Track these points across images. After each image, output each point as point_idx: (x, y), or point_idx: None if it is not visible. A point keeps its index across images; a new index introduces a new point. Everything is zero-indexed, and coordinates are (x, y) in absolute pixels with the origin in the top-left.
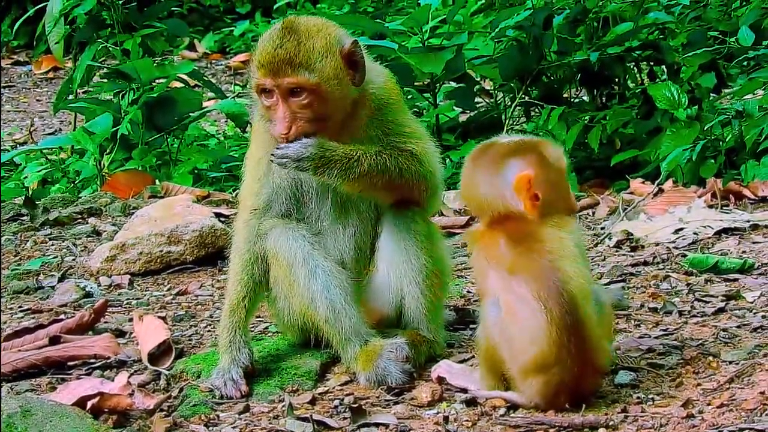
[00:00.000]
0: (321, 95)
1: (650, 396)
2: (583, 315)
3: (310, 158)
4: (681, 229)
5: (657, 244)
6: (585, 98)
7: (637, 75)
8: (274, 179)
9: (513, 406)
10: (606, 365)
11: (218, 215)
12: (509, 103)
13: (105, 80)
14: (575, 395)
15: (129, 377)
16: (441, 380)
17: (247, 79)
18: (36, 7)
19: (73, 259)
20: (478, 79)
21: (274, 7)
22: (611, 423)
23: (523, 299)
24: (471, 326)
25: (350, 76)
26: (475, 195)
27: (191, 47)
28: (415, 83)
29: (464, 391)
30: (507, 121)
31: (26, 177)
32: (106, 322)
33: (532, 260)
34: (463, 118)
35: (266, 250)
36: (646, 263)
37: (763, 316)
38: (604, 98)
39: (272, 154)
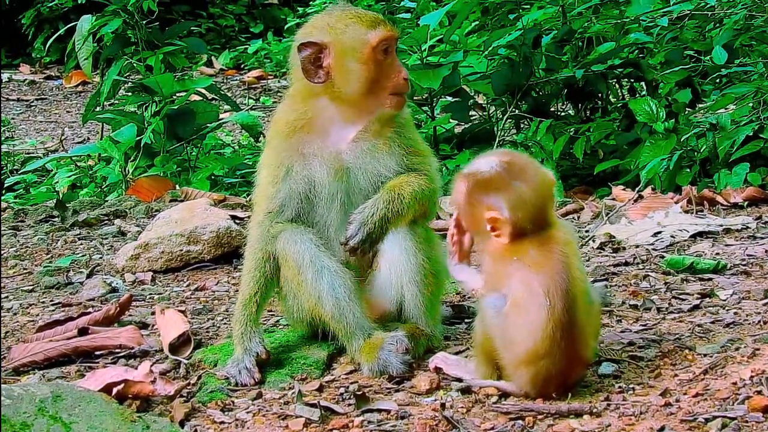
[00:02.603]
0: None
1: (631, 386)
2: (578, 313)
3: (373, 232)
4: (659, 232)
5: (637, 246)
6: (571, 112)
7: (619, 91)
8: (290, 184)
9: (504, 395)
10: (591, 358)
11: (233, 217)
12: (501, 116)
13: (130, 93)
14: (562, 385)
15: (151, 366)
16: (438, 370)
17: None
18: (67, 27)
19: (101, 258)
20: (473, 93)
21: (285, 27)
22: (595, 410)
23: (534, 293)
24: (466, 321)
25: None
26: (467, 219)
27: (209, 64)
28: (415, 97)
29: (459, 380)
30: (499, 132)
31: (57, 182)
32: (130, 315)
33: (551, 259)
34: (458, 129)
35: (276, 252)
36: (627, 263)
37: (735, 313)
38: (588, 112)
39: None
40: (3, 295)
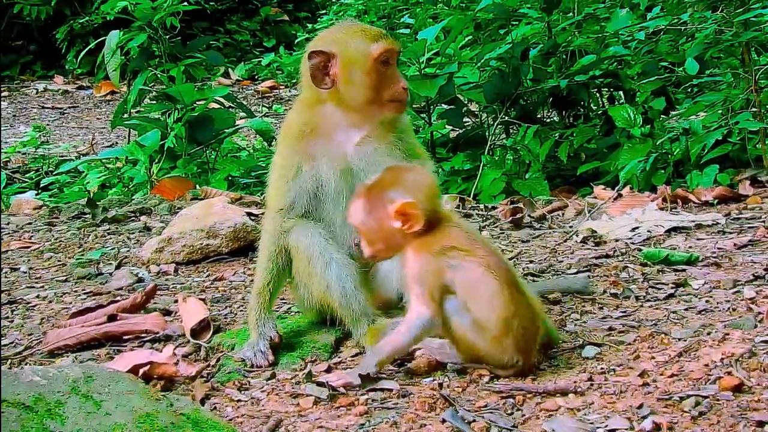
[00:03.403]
0: None
1: (612, 367)
2: (516, 275)
3: None
4: (637, 227)
5: (617, 240)
6: (556, 118)
7: (599, 99)
8: (300, 183)
9: (497, 376)
10: (544, 331)
11: (249, 214)
12: (492, 122)
13: (154, 102)
14: (536, 346)
15: (174, 349)
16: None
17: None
18: (97, 41)
19: (128, 251)
20: (466, 101)
21: (295, 41)
22: (579, 389)
23: (477, 274)
24: None
25: None
26: (375, 233)
27: (226, 75)
28: (414, 105)
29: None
30: (490, 137)
31: (88, 182)
32: (155, 303)
33: (473, 240)
34: (453, 134)
35: (289, 245)
36: (608, 256)
37: (707, 301)
38: (571, 118)
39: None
40: (39, 285)
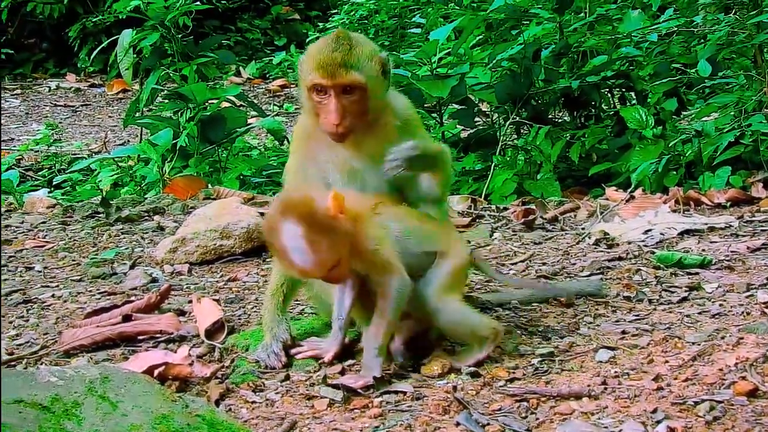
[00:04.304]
0: (366, 94)
1: (626, 371)
2: None
3: (418, 157)
4: (649, 230)
5: (629, 243)
6: (567, 119)
7: (611, 100)
8: (309, 184)
9: (512, 379)
10: None
11: (262, 215)
12: (503, 122)
13: (166, 101)
14: None
15: (189, 350)
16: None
17: (297, 82)
18: (109, 40)
19: (142, 250)
20: (478, 102)
21: (307, 41)
22: (593, 393)
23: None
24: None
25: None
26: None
27: (237, 74)
28: (425, 105)
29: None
30: (501, 137)
31: (100, 180)
32: (169, 304)
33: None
34: (464, 134)
35: None
36: (620, 258)
37: (721, 305)
38: (583, 119)
39: (387, 162)
40: (54, 284)
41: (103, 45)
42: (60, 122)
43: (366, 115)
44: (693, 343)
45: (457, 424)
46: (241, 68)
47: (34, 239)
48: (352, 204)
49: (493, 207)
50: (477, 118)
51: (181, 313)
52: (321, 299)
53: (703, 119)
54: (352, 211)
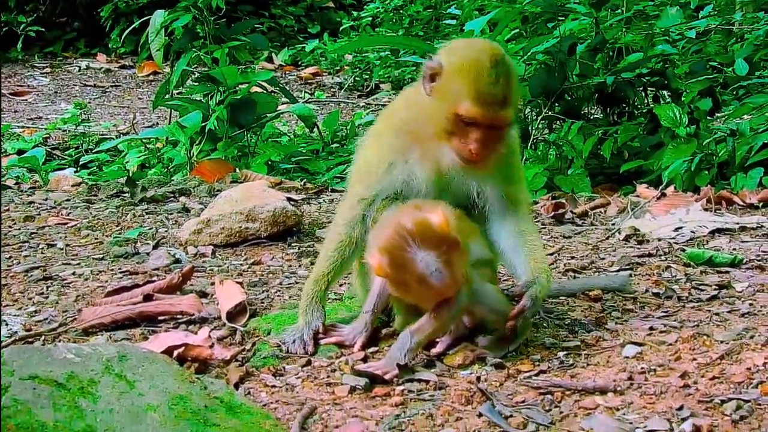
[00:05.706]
0: (510, 128)
1: (652, 367)
2: None
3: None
4: (680, 227)
5: (660, 240)
6: (600, 115)
7: (645, 97)
8: (389, 180)
9: (537, 371)
10: None
11: (289, 199)
12: (536, 116)
13: (196, 83)
14: None
15: (210, 332)
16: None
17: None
18: (141, 20)
19: (166, 231)
20: None
21: (340, 29)
22: (619, 388)
23: None
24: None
25: None
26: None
27: (269, 59)
28: None
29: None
30: (533, 132)
31: (127, 161)
32: (191, 285)
33: None
34: None
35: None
36: (650, 255)
37: (750, 304)
38: (616, 116)
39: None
40: (75, 262)
41: (134, 25)
42: (89, 102)
43: (502, 145)
44: (721, 342)
45: (480, 414)
46: (273, 54)
47: (57, 216)
48: (450, 218)
49: None
50: None
51: (203, 294)
52: (366, 290)
53: (738, 120)
54: (455, 225)
